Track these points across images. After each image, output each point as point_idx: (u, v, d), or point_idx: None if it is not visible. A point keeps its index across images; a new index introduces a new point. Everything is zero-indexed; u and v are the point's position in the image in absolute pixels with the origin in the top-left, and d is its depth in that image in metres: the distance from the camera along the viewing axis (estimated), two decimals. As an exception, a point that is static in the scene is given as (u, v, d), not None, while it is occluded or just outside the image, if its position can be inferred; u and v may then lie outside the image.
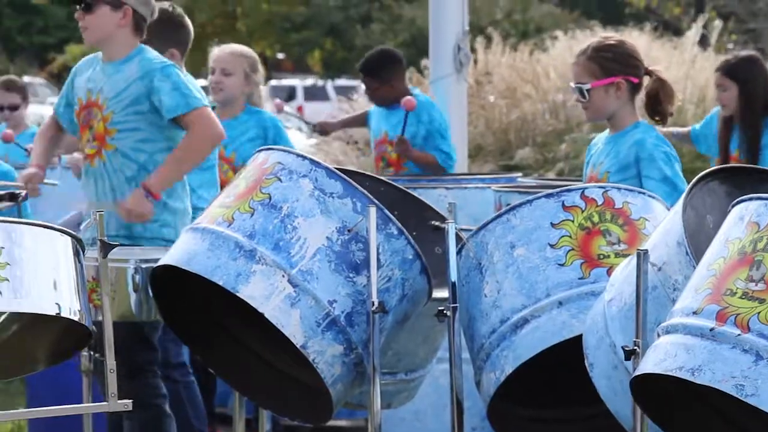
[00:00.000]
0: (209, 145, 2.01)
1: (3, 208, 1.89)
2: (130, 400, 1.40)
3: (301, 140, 5.81)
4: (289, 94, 7.79)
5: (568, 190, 1.50)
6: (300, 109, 8.24)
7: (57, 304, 1.32)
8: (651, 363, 1.03)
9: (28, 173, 2.05)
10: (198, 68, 5.60)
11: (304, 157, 1.54)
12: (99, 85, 1.99)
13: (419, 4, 11.33)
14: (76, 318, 1.34)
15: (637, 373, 1.06)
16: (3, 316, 1.39)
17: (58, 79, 13.37)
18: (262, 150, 1.61)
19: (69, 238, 1.38)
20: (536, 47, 5.91)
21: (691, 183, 1.26)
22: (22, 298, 1.30)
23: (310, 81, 12.58)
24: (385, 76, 3.10)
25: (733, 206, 1.05)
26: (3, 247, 1.27)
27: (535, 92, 5.19)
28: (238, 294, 1.44)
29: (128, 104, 1.96)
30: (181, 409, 2.03)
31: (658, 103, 1.85)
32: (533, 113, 5.13)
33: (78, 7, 1.96)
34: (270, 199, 1.49)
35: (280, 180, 1.51)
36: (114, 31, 1.98)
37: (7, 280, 1.25)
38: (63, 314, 1.32)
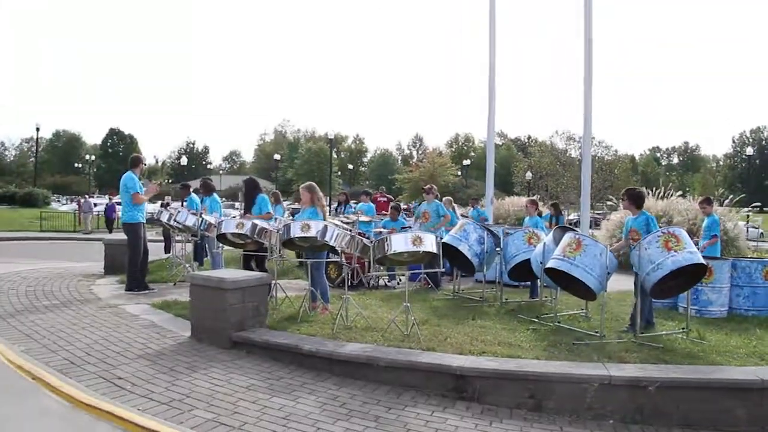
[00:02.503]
0: None
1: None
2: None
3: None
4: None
5: None
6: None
7: (433, 249, 7.42)
8: None
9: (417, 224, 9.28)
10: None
11: (472, 221, 7.78)
12: (423, 208, 9.01)
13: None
14: (436, 252, 7.39)
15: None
16: (421, 251, 7.45)
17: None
18: (462, 219, 7.85)
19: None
20: None
21: None
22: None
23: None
24: None
25: None
26: (423, 238, 7.23)
27: None
28: (458, 248, 7.56)
29: (433, 211, 8.92)
30: None
31: None
32: None
33: None
34: (465, 229, 7.69)
35: (467, 225, 7.72)
36: (432, 198, 8.77)
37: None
38: (434, 252, 7.40)
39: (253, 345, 5.66)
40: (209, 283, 5.94)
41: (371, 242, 6.31)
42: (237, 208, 37.16)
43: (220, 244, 8.28)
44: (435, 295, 8.55)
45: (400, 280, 10.07)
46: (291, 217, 13.09)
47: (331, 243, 6.41)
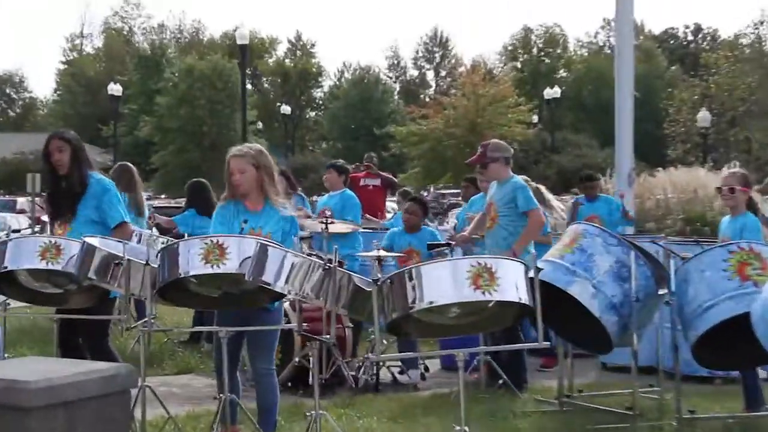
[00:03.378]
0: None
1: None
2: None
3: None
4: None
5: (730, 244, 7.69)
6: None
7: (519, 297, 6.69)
8: None
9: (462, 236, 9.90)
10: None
11: (596, 227, 7.52)
12: (494, 195, 9.17)
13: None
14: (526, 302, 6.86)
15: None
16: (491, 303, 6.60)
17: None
18: (574, 224, 7.71)
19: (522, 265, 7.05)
20: None
21: None
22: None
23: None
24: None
25: None
26: (496, 270, 6.57)
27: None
28: (568, 291, 7.34)
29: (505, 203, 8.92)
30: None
31: None
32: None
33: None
34: (582, 246, 7.40)
35: (585, 237, 7.43)
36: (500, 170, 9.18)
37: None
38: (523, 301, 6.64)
39: None
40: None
41: (373, 283, 6.21)
42: (25, 212, 35.75)
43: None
44: (517, 403, 8.76)
45: (426, 368, 10.27)
46: (153, 229, 12.78)
47: (278, 287, 6.36)
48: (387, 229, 12.23)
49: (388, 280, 6.14)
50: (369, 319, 7.03)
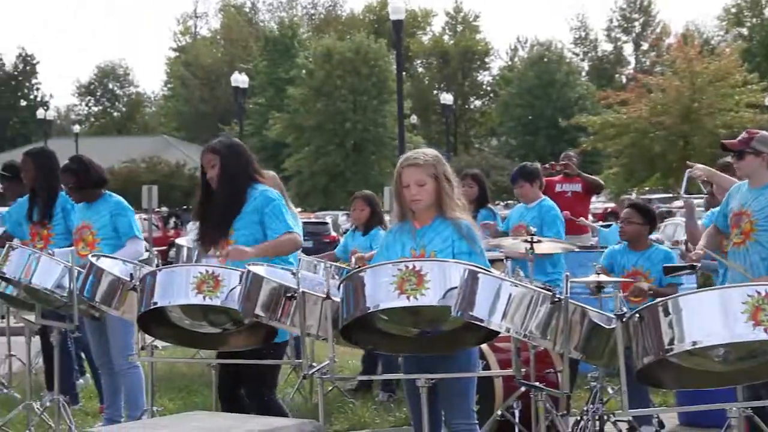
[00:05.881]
0: None
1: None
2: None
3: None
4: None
5: None
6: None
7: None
8: None
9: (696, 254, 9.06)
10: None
11: None
12: (748, 202, 8.28)
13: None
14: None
15: None
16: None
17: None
18: None
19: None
20: None
21: None
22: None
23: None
24: None
25: None
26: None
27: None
28: None
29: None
30: None
31: None
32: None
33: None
34: None
35: None
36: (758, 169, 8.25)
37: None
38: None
39: None
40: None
41: (617, 319, 6.34)
42: (152, 221, 36.36)
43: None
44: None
45: (662, 424, 10.28)
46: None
47: (494, 324, 6.43)
48: (594, 248, 11.93)
49: (637, 315, 6.12)
50: (609, 364, 6.99)
